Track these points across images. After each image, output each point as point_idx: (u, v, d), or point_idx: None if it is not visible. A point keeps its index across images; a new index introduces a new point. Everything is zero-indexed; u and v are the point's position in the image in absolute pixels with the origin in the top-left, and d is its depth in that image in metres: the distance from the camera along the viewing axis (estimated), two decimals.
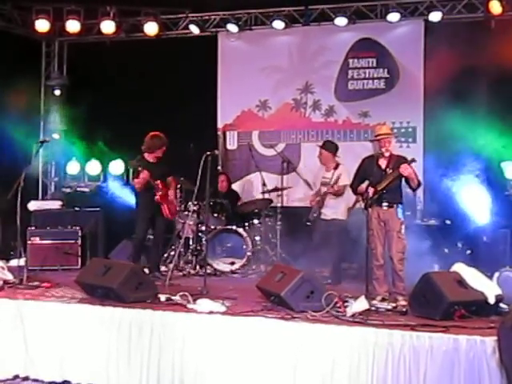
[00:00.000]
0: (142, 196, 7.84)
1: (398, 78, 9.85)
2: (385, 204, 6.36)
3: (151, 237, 8.32)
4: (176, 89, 9.88)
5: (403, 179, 6.45)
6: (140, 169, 7.68)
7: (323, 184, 7.84)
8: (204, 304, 5.60)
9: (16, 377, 5.86)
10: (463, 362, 4.63)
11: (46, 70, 11.42)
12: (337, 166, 7.78)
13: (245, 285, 7.31)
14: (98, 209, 9.33)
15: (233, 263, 8.61)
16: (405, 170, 6.29)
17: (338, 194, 7.65)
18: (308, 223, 7.84)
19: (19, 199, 6.86)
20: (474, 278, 5.54)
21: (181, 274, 8.30)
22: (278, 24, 10.10)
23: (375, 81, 10.01)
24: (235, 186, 10.25)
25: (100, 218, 9.24)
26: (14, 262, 7.95)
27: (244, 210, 9.28)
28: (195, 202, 8.46)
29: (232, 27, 10.35)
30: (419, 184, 6.60)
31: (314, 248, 7.66)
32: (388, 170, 6.39)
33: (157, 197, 7.79)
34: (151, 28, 10.33)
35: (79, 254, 8.71)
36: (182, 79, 9.89)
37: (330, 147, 7.99)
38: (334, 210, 7.69)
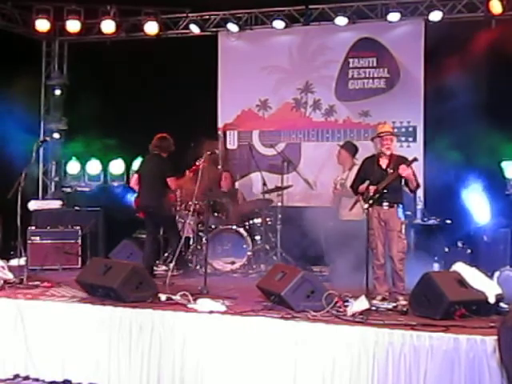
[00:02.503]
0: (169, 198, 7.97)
1: (399, 77, 9.84)
2: (385, 204, 6.35)
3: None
4: (176, 88, 9.88)
5: (403, 180, 6.44)
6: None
7: (341, 185, 7.87)
8: (204, 303, 5.60)
9: (16, 376, 5.88)
10: (463, 362, 4.63)
11: (47, 70, 11.41)
12: (351, 167, 7.76)
13: (245, 284, 7.32)
14: (98, 208, 9.35)
15: (233, 263, 8.60)
16: (403, 170, 6.27)
17: (347, 195, 7.48)
18: (331, 223, 7.84)
19: (19, 199, 6.86)
20: (474, 277, 5.54)
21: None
22: (279, 24, 10.10)
23: (375, 80, 10.00)
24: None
25: (100, 217, 9.25)
26: (14, 262, 7.96)
27: (244, 210, 9.27)
28: (195, 202, 8.45)
29: (232, 27, 10.34)
30: (418, 186, 6.58)
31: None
32: (389, 169, 6.38)
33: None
34: (151, 28, 10.33)
35: (79, 253, 8.73)
36: (182, 79, 9.89)
37: (350, 148, 8.03)
38: (347, 211, 7.35)
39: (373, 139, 6.75)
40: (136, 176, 8.09)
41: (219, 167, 10.08)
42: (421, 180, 7.44)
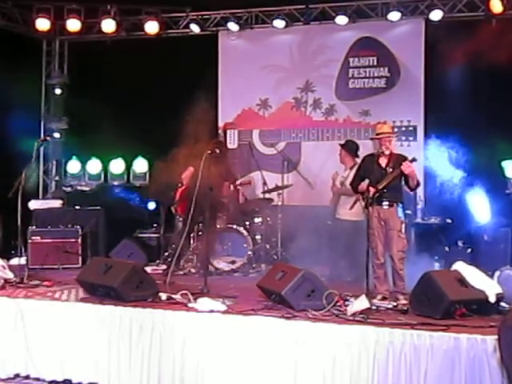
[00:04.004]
0: None
1: (399, 76, 9.84)
2: (385, 203, 6.33)
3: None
4: (176, 87, 9.87)
5: (403, 178, 6.43)
6: None
7: (341, 183, 7.87)
8: (205, 303, 5.60)
9: (17, 376, 5.88)
10: (464, 361, 4.63)
11: (47, 69, 11.43)
12: (352, 166, 7.74)
13: (245, 284, 7.31)
14: (98, 208, 9.34)
15: (233, 262, 8.59)
16: (407, 167, 6.26)
17: (347, 193, 7.49)
18: (329, 222, 7.84)
19: (20, 198, 6.87)
20: (474, 276, 5.54)
21: (181, 272, 8.31)
22: (279, 23, 10.11)
23: (376, 79, 10.00)
24: None
25: (101, 216, 9.25)
26: (14, 261, 7.98)
27: (245, 209, 9.27)
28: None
29: (232, 26, 10.35)
30: (418, 184, 6.58)
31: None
32: (388, 168, 6.37)
33: None
34: (152, 27, 10.35)
35: (80, 252, 8.72)
36: (182, 78, 9.88)
37: (350, 148, 7.98)
38: (347, 210, 7.42)
39: (372, 139, 6.75)
40: (192, 170, 7.96)
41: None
42: (421, 179, 7.43)
